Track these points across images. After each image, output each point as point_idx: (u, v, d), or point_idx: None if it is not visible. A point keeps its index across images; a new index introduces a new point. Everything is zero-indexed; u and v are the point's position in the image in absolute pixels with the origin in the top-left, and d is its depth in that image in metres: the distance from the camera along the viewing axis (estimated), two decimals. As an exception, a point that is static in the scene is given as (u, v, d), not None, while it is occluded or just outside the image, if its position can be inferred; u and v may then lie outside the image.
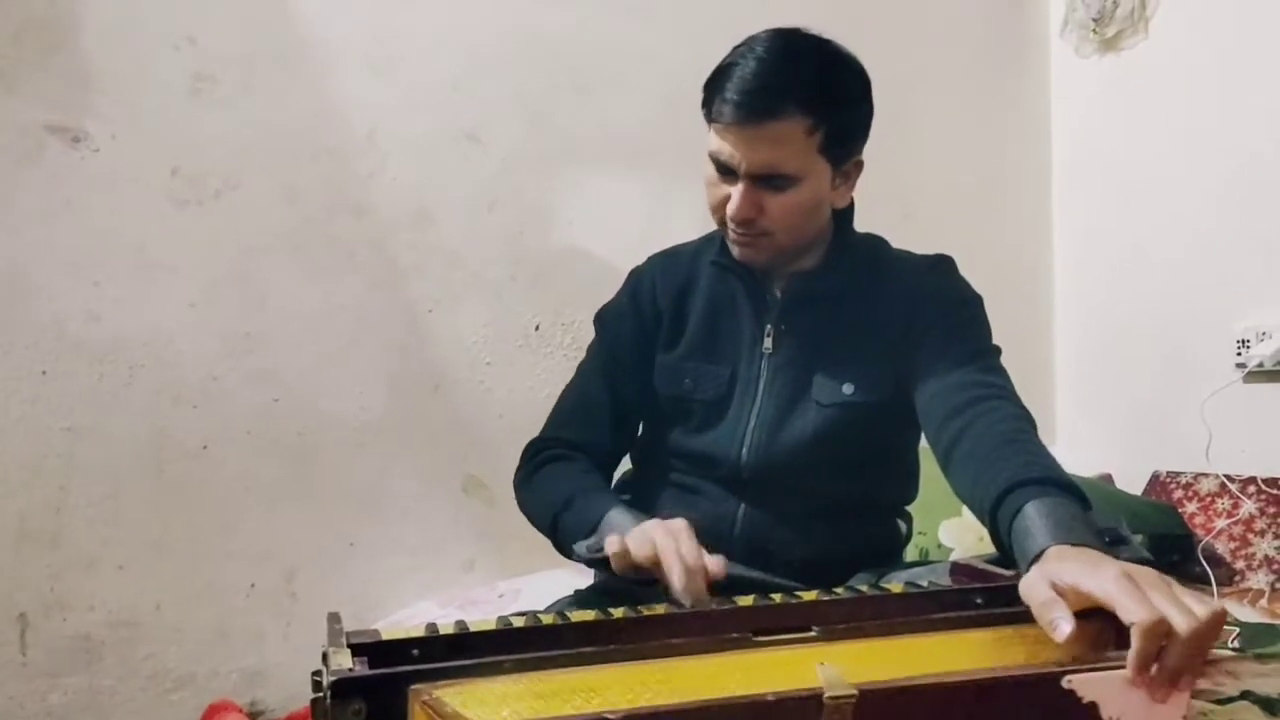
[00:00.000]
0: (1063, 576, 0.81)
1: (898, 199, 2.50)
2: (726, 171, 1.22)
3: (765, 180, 1.20)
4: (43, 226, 1.81)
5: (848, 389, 1.27)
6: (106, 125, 1.85)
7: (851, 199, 1.35)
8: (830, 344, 1.29)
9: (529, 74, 2.20)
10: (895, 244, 1.41)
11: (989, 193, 2.76)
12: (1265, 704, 1.44)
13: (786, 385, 1.29)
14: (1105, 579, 0.78)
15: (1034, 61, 2.83)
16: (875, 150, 2.75)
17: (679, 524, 1.04)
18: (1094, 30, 2.65)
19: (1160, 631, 0.73)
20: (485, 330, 2.16)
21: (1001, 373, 1.25)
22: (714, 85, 1.21)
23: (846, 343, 1.29)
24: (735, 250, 1.28)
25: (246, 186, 1.96)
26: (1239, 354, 2.34)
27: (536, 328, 2.20)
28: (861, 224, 1.46)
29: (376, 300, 2.07)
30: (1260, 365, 2.29)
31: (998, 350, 1.29)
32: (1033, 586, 0.82)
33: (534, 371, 2.19)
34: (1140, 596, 0.75)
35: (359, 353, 2.05)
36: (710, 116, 1.22)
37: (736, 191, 1.21)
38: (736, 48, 1.22)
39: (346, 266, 2.05)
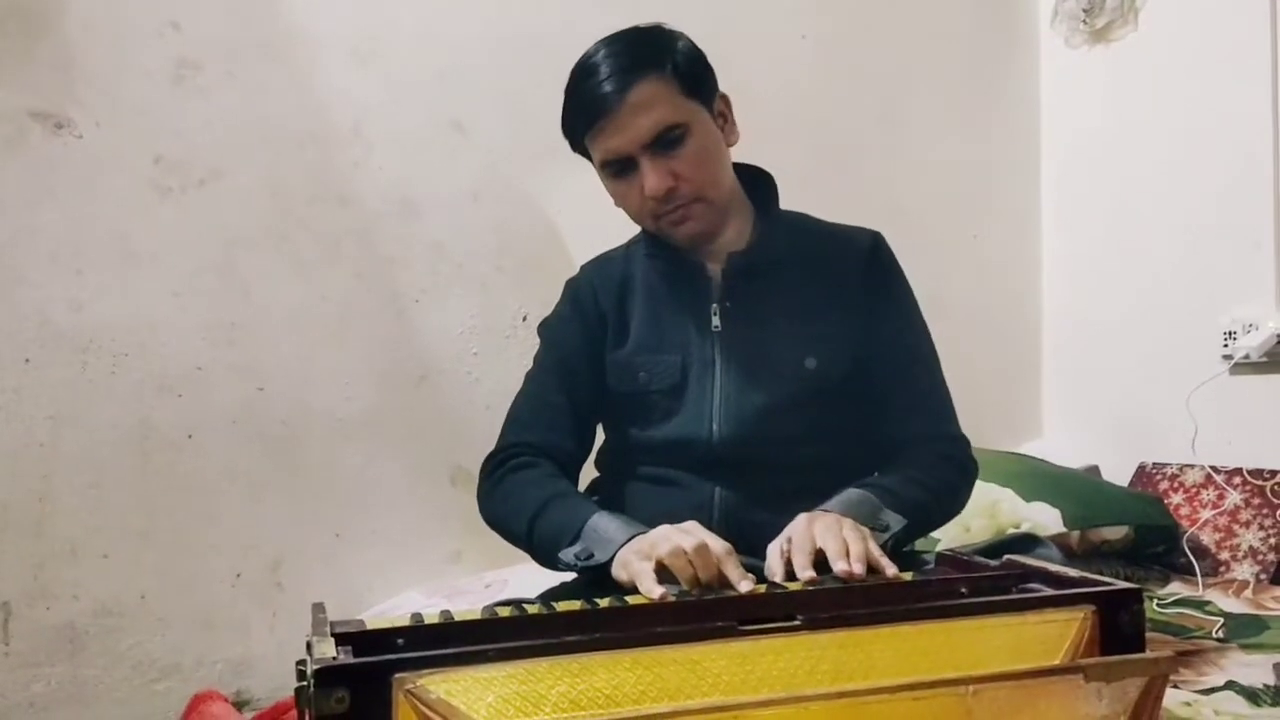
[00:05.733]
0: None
1: (887, 191, 2.50)
2: (624, 167, 1.27)
3: (660, 145, 1.25)
4: (25, 214, 1.80)
5: (810, 363, 1.30)
6: (90, 112, 1.84)
7: (770, 177, 1.41)
8: (779, 315, 1.32)
9: (514, 65, 2.19)
10: (887, 237, 1.43)
11: (978, 184, 2.77)
12: (1249, 694, 1.45)
13: (744, 359, 1.31)
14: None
15: (1024, 52, 2.83)
16: (864, 142, 2.77)
17: (691, 524, 1.09)
18: (1084, 21, 2.65)
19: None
20: (472, 321, 2.16)
21: (928, 360, 1.38)
22: (570, 112, 1.30)
23: (798, 313, 1.32)
24: (676, 232, 1.31)
25: (230, 175, 1.95)
26: (1225, 346, 2.35)
27: (524, 318, 2.20)
28: (851, 216, 1.46)
29: (362, 291, 2.06)
30: (1246, 357, 2.30)
31: (937, 364, 1.40)
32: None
33: (521, 362, 2.14)
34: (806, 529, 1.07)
35: (344, 343, 2.04)
36: (583, 136, 1.29)
37: (645, 171, 1.25)
38: (570, 78, 1.31)
39: (332, 257, 2.03)
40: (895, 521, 1.17)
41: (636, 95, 1.23)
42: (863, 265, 1.35)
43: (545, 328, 1.47)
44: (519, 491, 1.30)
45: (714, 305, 1.33)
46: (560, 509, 1.22)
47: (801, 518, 1.11)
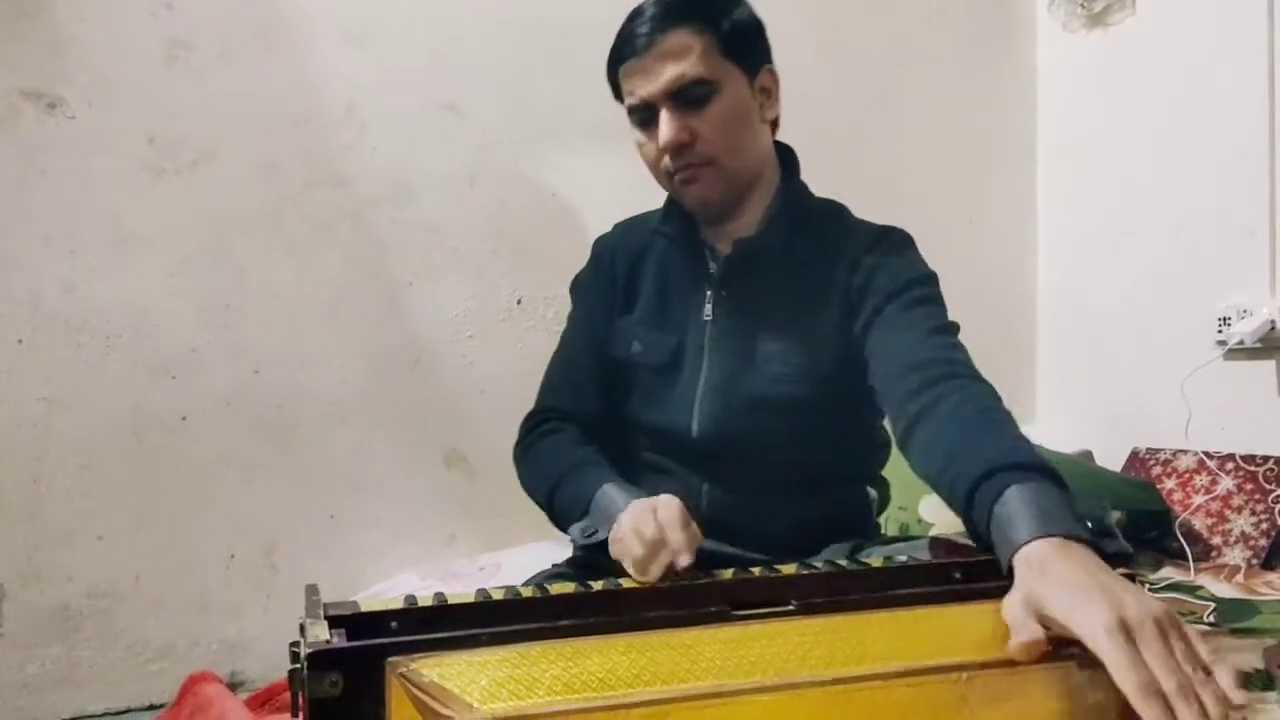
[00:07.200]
0: (1049, 610, 0.76)
1: (882, 176, 2.50)
2: (648, 117, 1.24)
3: (684, 99, 1.22)
4: (18, 195, 1.79)
5: (796, 360, 1.26)
6: (82, 92, 1.83)
7: (797, 160, 1.37)
8: (775, 312, 1.28)
9: (510, 46, 2.18)
10: (884, 222, 1.39)
11: (974, 169, 2.76)
12: (1239, 679, 1.45)
13: (730, 354, 1.28)
14: (1096, 627, 0.73)
15: (1021, 37, 2.82)
16: (861, 125, 2.76)
17: (668, 502, 1.03)
18: (1082, 5, 2.64)
19: (1155, 690, 0.70)
20: (467, 304, 2.15)
21: (965, 350, 1.20)
22: (610, 54, 1.27)
23: (793, 311, 1.28)
24: (686, 194, 1.27)
25: (224, 157, 1.94)
26: (1219, 331, 2.36)
27: (519, 301, 2.19)
28: (845, 201, 1.45)
29: (356, 274, 2.06)
30: (1240, 343, 2.30)
31: (957, 327, 1.25)
32: (1015, 615, 0.78)
33: (516, 345, 2.18)
34: (1130, 654, 0.71)
35: (339, 326, 2.04)
36: (616, 78, 1.27)
37: (662, 120, 1.22)
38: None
39: (326, 239, 2.03)
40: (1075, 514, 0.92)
41: (669, 43, 1.21)
42: (864, 258, 1.28)
43: (574, 288, 1.45)
44: (543, 461, 1.29)
45: (709, 293, 1.30)
46: (573, 482, 1.21)
47: (1100, 615, 0.74)
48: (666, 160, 1.25)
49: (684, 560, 0.94)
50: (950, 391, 1.09)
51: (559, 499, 1.22)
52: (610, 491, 1.14)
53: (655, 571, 0.95)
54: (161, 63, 1.89)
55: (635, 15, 1.25)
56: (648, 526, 0.98)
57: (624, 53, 1.24)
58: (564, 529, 1.23)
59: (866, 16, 2.61)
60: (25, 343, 1.79)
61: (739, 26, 1.26)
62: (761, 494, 1.27)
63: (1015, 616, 0.78)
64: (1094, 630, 0.73)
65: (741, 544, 1.26)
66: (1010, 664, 0.74)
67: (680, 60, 1.21)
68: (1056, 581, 0.78)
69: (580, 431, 1.31)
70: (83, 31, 1.83)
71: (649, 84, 1.22)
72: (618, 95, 1.30)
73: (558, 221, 2.21)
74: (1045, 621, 0.76)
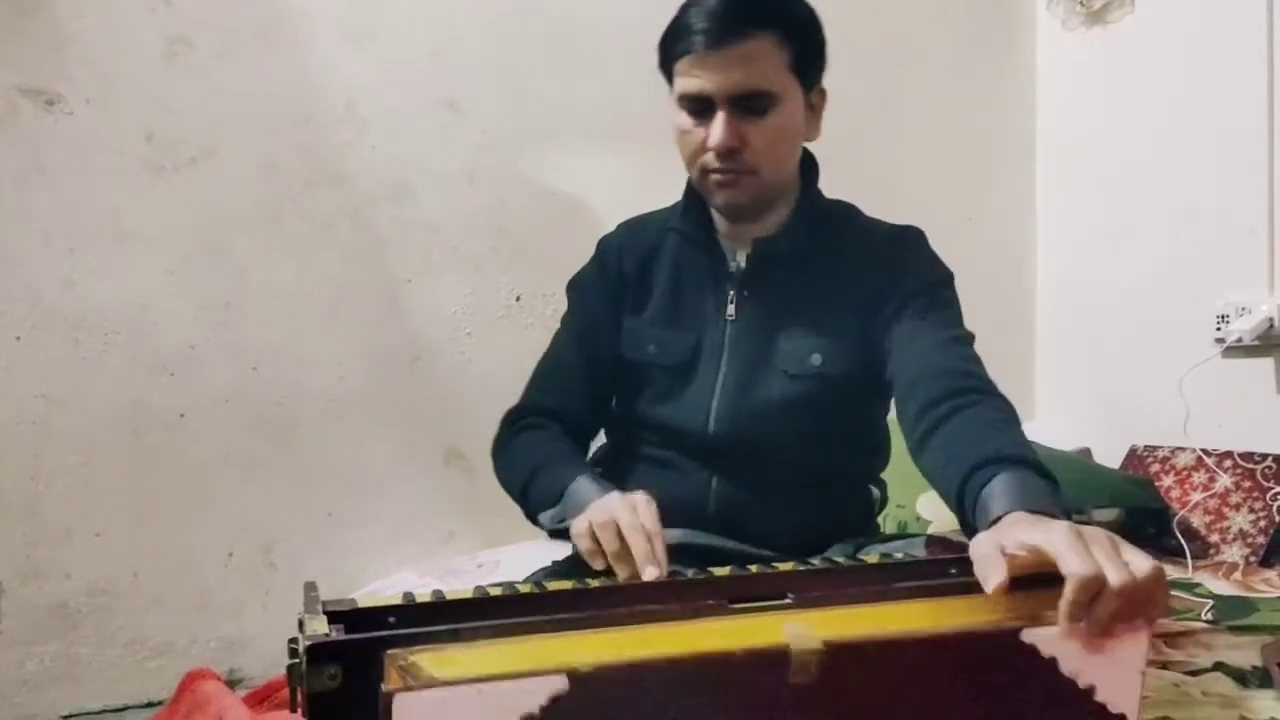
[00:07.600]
0: (1013, 536, 0.82)
1: (883, 177, 2.50)
2: (701, 109, 1.21)
3: (745, 105, 1.19)
4: (16, 192, 1.79)
5: (815, 360, 1.26)
6: (80, 89, 1.83)
7: (817, 164, 1.36)
8: (795, 310, 1.28)
9: (510, 45, 2.18)
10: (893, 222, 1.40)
11: (973, 167, 2.77)
12: (1237, 675, 1.46)
13: (750, 353, 1.28)
14: (1052, 532, 0.79)
15: (1020, 35, 2.82)
16: (860, 124, 2.76)
17: (640, 497, 1.04)
18: (1081, 3, 2.65)
19: (1095, 586, 0.74)
20: (466, 301, 2.15)
21: (980, 362, 1.23)
22: (675, 30, 1.22)
23: (813, 310, 1.28)
24: (718, 194, 1.26)
25: (223, 154, 1.94)
26: (1218, 329, 2.36)
27: (518, 299, 2.19)
28: (846, 199, 1.45)
29: (356, 271, 2.05)
30: (1239, 340, 2.31)
31: (972, 336, 1.27)
32: (979, 544, 0.83)
33: (515, 343, 2.18)
34: (1082, 551, 0.76)
35: (338, 324, 2.03)
36: (675, 59, 1.21)
37: (717, 121, 1.19)
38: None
39: (325, 237, 2.03)
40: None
41: (745, 46, 1.17)
42: (884, 257, 1.29)
43: (572, 287, 1.45)
44: (520, 456, 1.29)
45: (731, 293, 1.30)
46: (548, 474, 1.21)
47: (1059, 526, 0.81)
48: (709, 158, 1.23)
49: (663, 573, 0.96)
50: (967, 405, 1.11)
51: (533, 490, 1.23)
52: (584, 484, 1.15)
53: (627, 573, 0.97)
54: (161, 60, 1.89)
55: (717, 1, 1.18)
56: (635, 534, 0.99)
57: (690, 43, 1.19)
58: (535, 519, 1.24)
59: (866, 16, 2.61)
60: (23, 340, 1.79)
61: (811, 42, 1.24)
62: (770, 491, 1.27)
63: (981, 551, 0.82)
64: (1055, 540, 0.78)
65: (747, 540, 1.26)
66: (994, 635, 0.76)
67: (751, 66, 1.18)
68: (1020, 523, 0.86)
69: (561, 429, 1.32)
70: (82, 28, 1.83)
71: (713, 82, 1.18)
72: (665, 72, 1.26)
73: (557, 220, 2.21)
74: (1010, 548, 0.81)
